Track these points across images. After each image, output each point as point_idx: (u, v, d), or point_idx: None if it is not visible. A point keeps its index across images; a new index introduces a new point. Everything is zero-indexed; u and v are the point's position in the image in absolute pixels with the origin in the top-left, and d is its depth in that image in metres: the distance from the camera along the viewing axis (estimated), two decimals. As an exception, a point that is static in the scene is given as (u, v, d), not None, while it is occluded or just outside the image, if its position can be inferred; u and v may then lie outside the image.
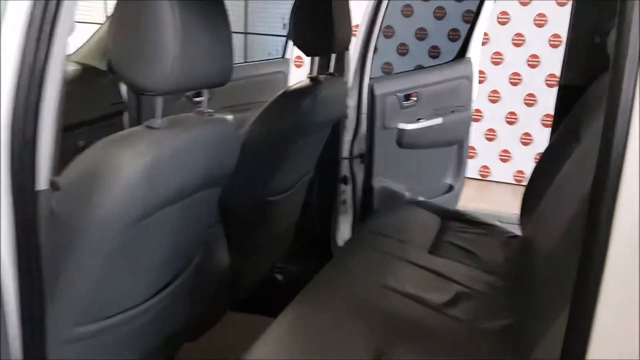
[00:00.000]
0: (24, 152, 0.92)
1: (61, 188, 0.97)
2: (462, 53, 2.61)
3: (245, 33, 4.51)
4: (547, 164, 1.83)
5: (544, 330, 1.11)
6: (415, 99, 2.38)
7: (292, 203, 1.95)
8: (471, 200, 2.78)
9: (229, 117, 2.67)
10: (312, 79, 1.76)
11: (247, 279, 1.82)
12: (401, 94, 2.33)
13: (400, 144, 2.37)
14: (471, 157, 4.45)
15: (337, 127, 2.12)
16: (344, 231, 2.36)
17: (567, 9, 4.27)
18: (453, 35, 4.56)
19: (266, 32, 4.21)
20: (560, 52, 4.42)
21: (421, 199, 2.49)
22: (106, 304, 1.11)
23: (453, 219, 1.99)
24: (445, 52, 4.58)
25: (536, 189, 1.80)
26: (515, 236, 1.93)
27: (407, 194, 2.44)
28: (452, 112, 2.52)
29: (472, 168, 4.30)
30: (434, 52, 4.66)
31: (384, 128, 2.30)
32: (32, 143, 0.92)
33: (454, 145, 2.62)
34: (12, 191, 0.92)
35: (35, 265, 0.96)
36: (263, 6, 4.63)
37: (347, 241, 1.88)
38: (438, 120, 2.45)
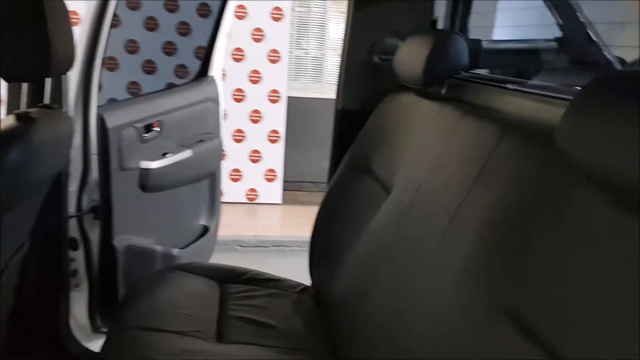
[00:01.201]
0: None
1: None
2: (203, 71, 2.22)
3: None
4: (336, 204, 1.58)
5: None
6: (158, 129, 1.90)
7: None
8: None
9: None
10: (19, 116, 1.15)
11: None
12: (140, 125, 1.82)
13: (144, 187, 1.86)
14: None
15: (58, 176, 1.51)
16: (78, 311, 1.75)
17: (283, 24, 4.39)
18: (168, 48, 4.18)
19: None
20: (279, 67, 4.50)
21: (175, 251, 2.03)
22: None
23: (232, 280, 1.60)
24: (162, 68, 4.18)
25: (329, 236, 1.54)
26: (305, 288, 1.65)
27: (158, 249, 1.94)
28: (201, 141, 2.12)
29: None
30: (149, 67, 4.20)
31: (122, 170, 1.76)
32: None
33: (205, 179, 2.22)
34: None
35: None
36: None
37: (103, 350, 1.30)
38: (187, 153, 2.01)
